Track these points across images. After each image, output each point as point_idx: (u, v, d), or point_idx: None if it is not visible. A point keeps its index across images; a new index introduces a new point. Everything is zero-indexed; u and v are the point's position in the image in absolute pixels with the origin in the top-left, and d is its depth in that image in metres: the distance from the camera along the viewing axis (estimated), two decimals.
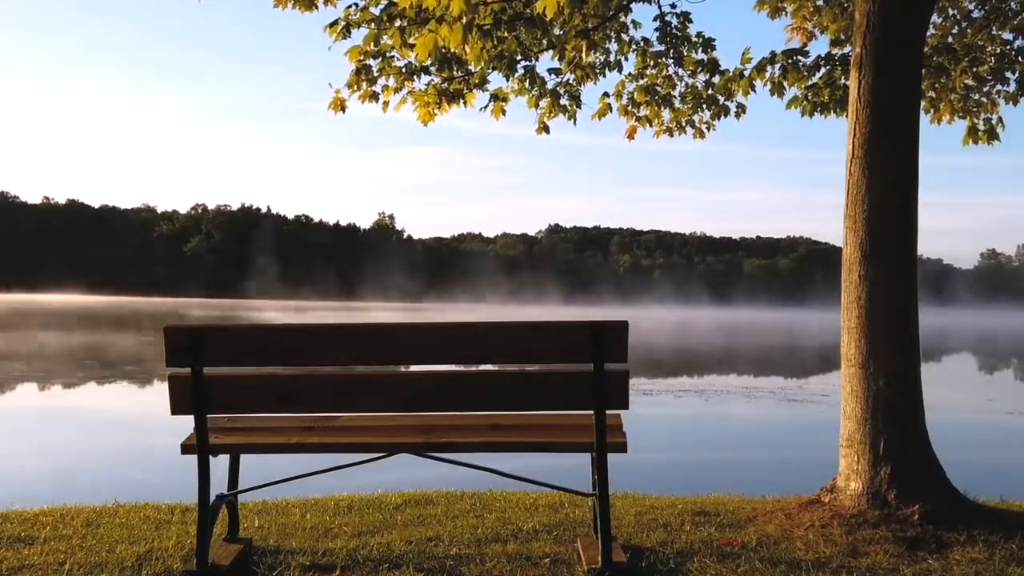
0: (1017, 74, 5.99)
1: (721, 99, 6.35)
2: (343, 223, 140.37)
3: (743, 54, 6.00)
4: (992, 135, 6.24)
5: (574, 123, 6.15)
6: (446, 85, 5.59)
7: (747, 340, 36.79)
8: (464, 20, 4.28)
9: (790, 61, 5.85)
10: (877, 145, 4.03)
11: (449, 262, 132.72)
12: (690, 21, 5.98)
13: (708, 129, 6.55)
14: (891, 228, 4.01)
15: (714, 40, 6.09)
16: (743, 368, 23.25)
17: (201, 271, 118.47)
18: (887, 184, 4.01)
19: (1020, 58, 5.90)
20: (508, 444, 3.29)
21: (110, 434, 10.44)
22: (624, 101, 6.40)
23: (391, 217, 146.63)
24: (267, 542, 3.60)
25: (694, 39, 6.08)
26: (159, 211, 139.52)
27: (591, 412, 3.10)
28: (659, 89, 6.34)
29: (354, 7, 5.20)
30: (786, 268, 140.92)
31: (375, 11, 5.14)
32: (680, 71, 6.26)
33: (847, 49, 5.81)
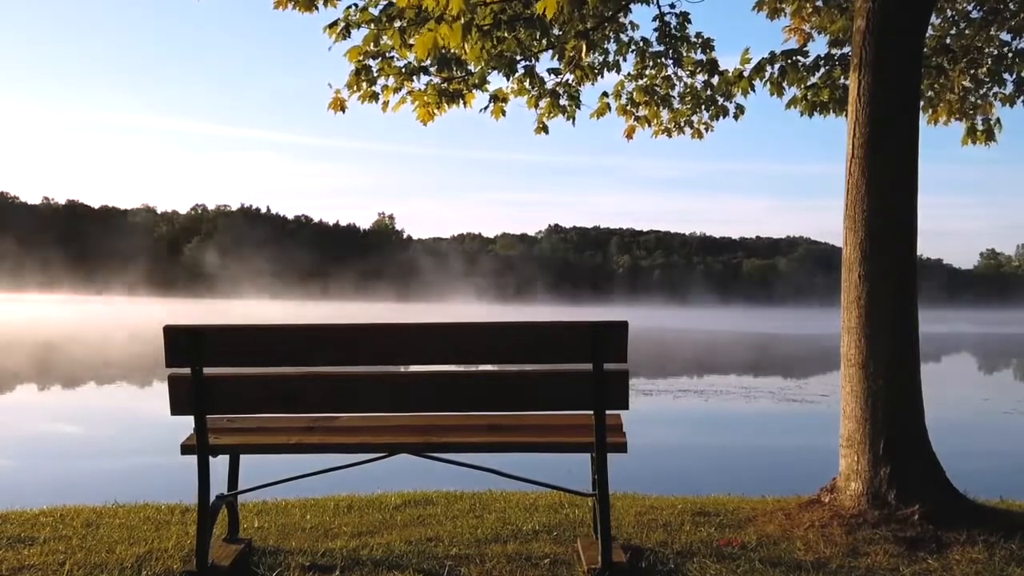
0: (1015, 76, 5.99)
1: (720, 99, 6.35)
2: (343, 223, 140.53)
3: (742, 54, 6.00)
4: (990, 136, 6.26)
5: (573, 123, 6.17)
6: (446, 85, 5.59)
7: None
8: (463, 20, 4.28)
9: (789, 61, 5.84)
10: (877, 145, 4.03)
11: (449, 262, 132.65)
12: (689, 22, 5.99)
13: (706, 130, 6.56)
14: (891, 228, 4.01)
15: (713, 40, 6.09)
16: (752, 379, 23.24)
17: (201, 272, 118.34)
18: (887, 184, 4.02)
19: (1017, 60, 5.90)
20: (508, 444, 3.29)
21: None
22: (623, 101, 6.41)
23: (391, 217, 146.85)
24: (267, 542, 3.60)
25: (693, 39, 6.08)
26: (159, 212, 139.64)
27: (591, 412, 3.10)
28: (658, 89, 6.34)
29: (354, 7, 5.21)
30: (786, 268, 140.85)
31: (374, 11, 5.15)
32: (679, 71, 6.26)
33: (846, 49, 5.81)
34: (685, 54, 6.13)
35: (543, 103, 6.03)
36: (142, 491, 5.02)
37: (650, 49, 6.11)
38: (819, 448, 6.50)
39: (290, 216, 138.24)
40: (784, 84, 5.90)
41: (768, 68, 5.91)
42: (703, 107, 6.41)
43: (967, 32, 5.95)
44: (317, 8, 5.24)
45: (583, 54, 5.56)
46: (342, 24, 5.20)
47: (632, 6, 5.85)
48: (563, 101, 6.03)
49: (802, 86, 5.95)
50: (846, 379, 4.06)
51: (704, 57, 6.17)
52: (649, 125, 6.51)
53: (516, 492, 4.75)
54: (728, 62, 6.14)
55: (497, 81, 5.81)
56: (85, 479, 7.56)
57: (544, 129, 6.18)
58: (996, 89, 6.10)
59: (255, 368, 3.16)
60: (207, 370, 3.06)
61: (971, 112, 6.18)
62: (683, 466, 8.66)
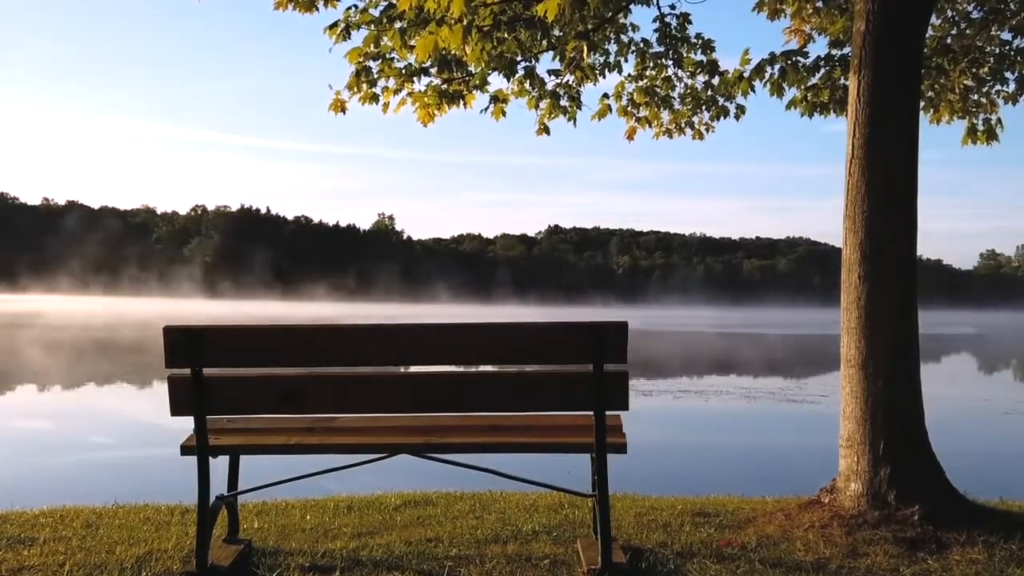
0: (1016, 74, 5.99)
1: (720, 100, 6.35)
2: (343, 224, 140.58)
3: (743, 55, 6.01)
4: (991, 135, 6.25)
5: (574, 124, 6.17)
6: (446, 86, 5.59)
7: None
8: (464, 22, 4.29)
9: (789, 62, 5.84)
10: (877, 145, 4.03)
11: (448, 263, 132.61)
12: (689, 22, 5.99)
13: (707, 130, 6.56)
14: (891, 228, 4.01)
15: (713, 41, 6.10)
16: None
17: (200, 272, 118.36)
18: (887, 184, 4.01)
19: (1019, 58, 5.90)
20: (508, 445, 3.29)
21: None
22: (624, 102, 6.41)
23: (391, 218, 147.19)
24: (267, 543, 3.60)
25: (693, 40, 6.09)
26: (159, 212, 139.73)
27: (591, 413, 3.09)
28: (658, 90, 6.35)
29: (354, 9, 5.21)
30: (786, 268, 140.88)
31: (375, 13, 5.15)
32: (679, 72, 6.27)
33: (846, 50, 5.81)
34: (685, 55, 6.14)
35: (544, 104, 6.04)
36: (142, 492, 5.02)
37: (650, 50, 6.11)
38: (819, 448, 6.50)
39: (290, 217, 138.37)
40: (784, 85, 5.90)
41: (768, 69, 5.90)
42: (704, 108, 6.42)
43: (968, 32, 5.94)
44: (317, 9, 5.24)
45: (584, 55, 5.55)
46: (342, 25, 5.20)
47: (632, 7, 5.85)
48: (564, 102, 6.03)
49: (802, 87, 5.95)
50: (846, 379, 4.06)
51: (704, 58, 6.18)
52: (650, 126, 6.51)
53: (516, 492, 4.75)
54: (729, 63, 6.15)
55: (497, 82, 5.82)
56: (84, 479, 7.55)
57: (545, 130, 6.18)
58: (998, 87, 6.10)
59: (255, 368, 3.16)
60: (207, 371, 3.06)
61: (973, 110, 6.18)
62: (683, 466, 8.66)
